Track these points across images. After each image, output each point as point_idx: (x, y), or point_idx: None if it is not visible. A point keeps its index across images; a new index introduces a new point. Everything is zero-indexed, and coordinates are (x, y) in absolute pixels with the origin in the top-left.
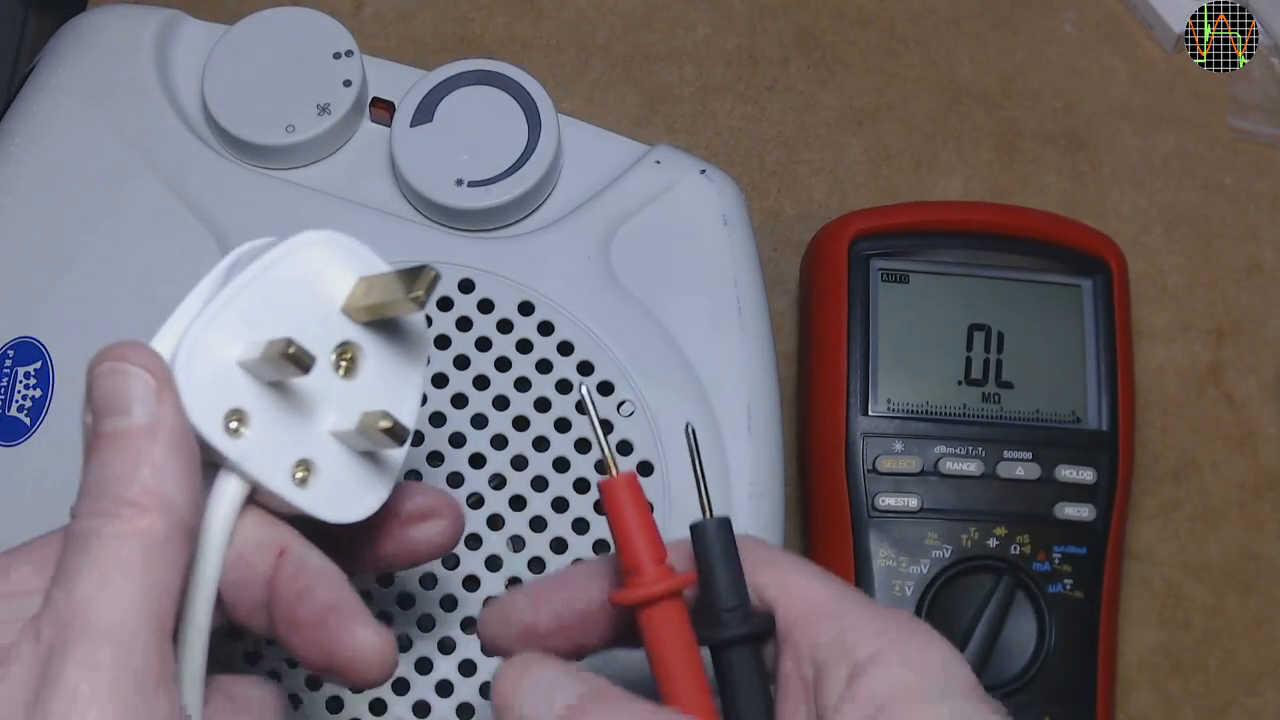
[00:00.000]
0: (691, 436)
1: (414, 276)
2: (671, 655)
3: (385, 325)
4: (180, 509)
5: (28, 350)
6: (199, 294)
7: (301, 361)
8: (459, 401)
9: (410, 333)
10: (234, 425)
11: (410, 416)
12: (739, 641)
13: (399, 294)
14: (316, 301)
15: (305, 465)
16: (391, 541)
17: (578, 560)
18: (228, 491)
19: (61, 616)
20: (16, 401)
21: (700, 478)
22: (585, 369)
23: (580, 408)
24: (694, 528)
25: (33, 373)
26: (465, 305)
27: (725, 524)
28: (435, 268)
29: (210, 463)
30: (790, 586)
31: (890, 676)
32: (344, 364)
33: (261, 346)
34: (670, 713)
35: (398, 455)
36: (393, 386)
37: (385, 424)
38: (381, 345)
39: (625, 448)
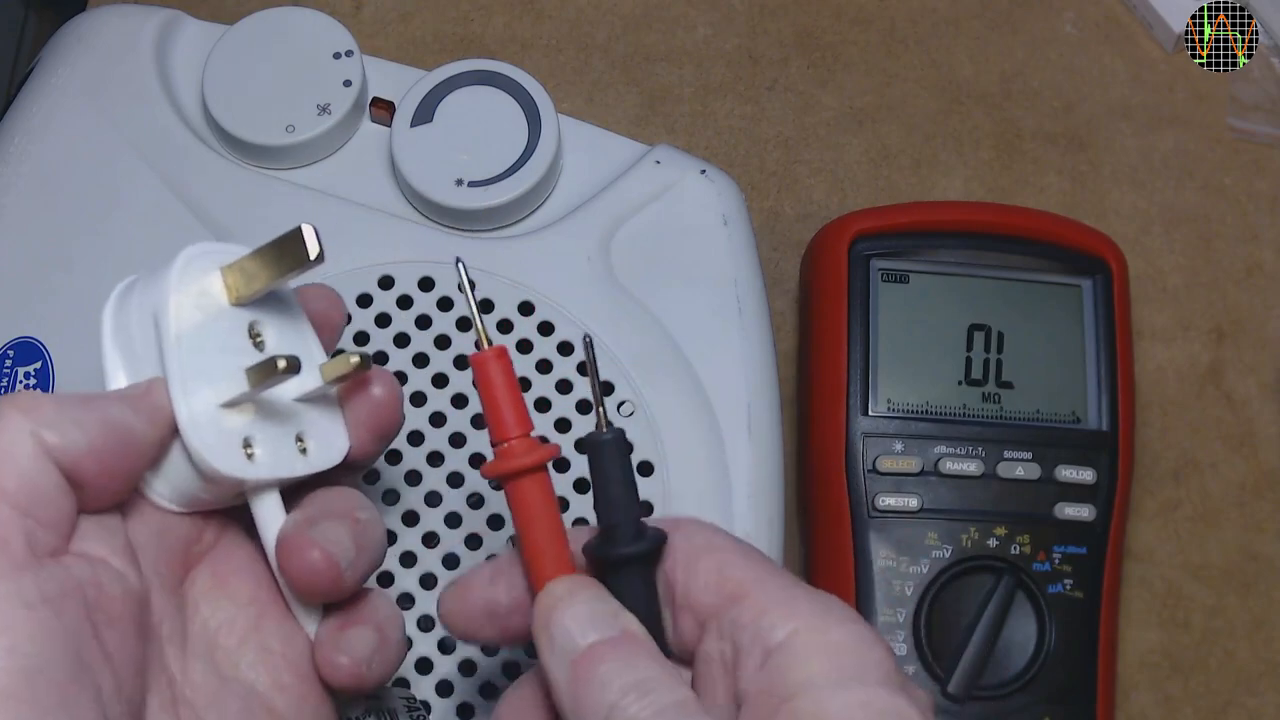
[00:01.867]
0: (589, 348)
1: (293, 241)
2: (536, 527)
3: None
4: (58, 433)
5: (28, 350)
6: (113, 363)
7: (294, 367)
8: (459, 402)
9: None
10: (249, 452)
11: (322, 345)
12: (628, 560)
13: (289, 262)
14: (219, 315)
15: (299, 437)
16: (362, 420)
17: None
18: (269, 506)
19: None
20: None
21: (597, 390)
22: (586, 369)
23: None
24: (588, 442)
25: (33, 373)
26: (465, 305)
27: (619, 438)
28: (303, 224)
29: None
30: (722, 569)
31: (800, 661)
32: (260, 342)
33: (241, 379)
34: (678, 679)
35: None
36: (295, 330)
37: (355, 359)
38: (265, 307)
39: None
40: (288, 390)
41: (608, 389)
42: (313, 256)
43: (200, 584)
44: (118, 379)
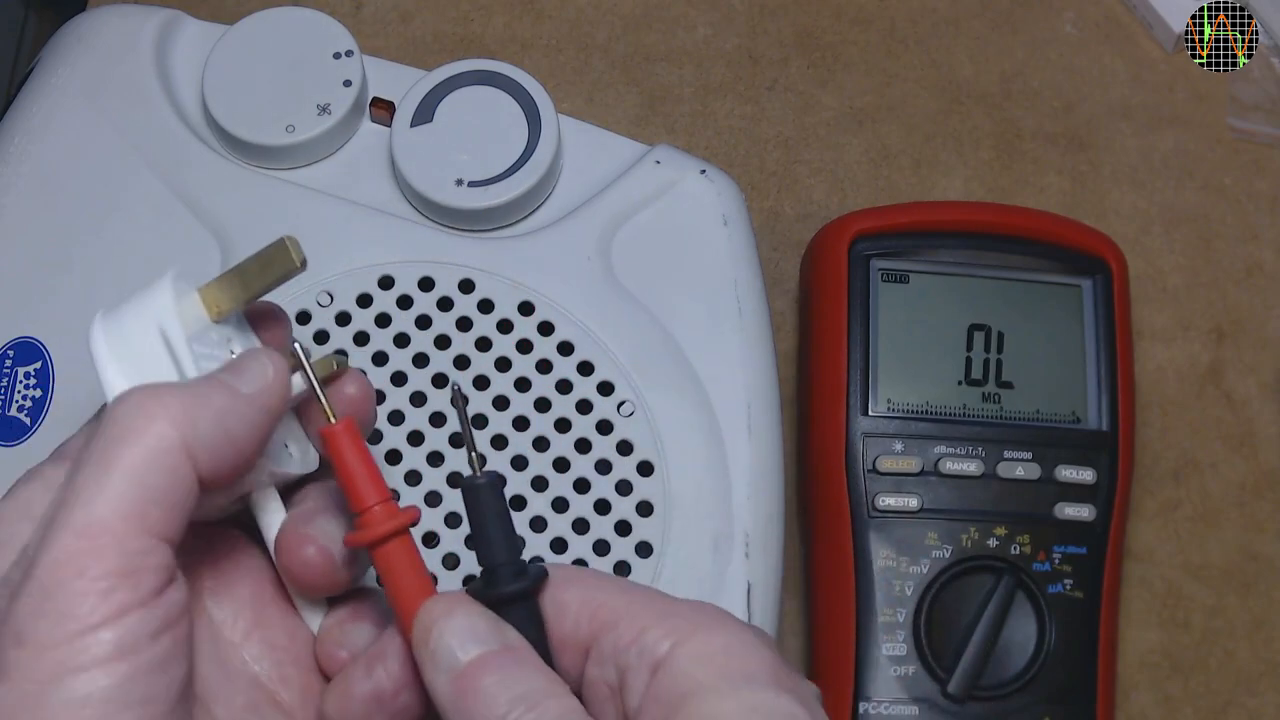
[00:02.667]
0: (458, 397)
1: (276, 253)
2: (405, 591)
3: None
4: (199, 435)
5: (28, 350)
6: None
7: (307, 353)
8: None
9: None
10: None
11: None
12: (514, 598)
13: (275, 273)
14: (205, 330)
15: (285, 444)
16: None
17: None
18: (270, 504)
19: (57, 508)
20: (16, 401)
21: (469, 437)
22: (585, 369)
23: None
24: (463, 486)
25: (33, 373)
26: (465, 305)
27: (494, 482)
28: (285, 235)
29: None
30: (592, 598)
31: (688, 670)
32: (235, 355)
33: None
34: (564, 689)
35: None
36: (251, 343)
37: (339, 360)
38: (230, 326)
39: (625, 448)
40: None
41: (608, 389)
42: (298, 264)
43: (205, 582)
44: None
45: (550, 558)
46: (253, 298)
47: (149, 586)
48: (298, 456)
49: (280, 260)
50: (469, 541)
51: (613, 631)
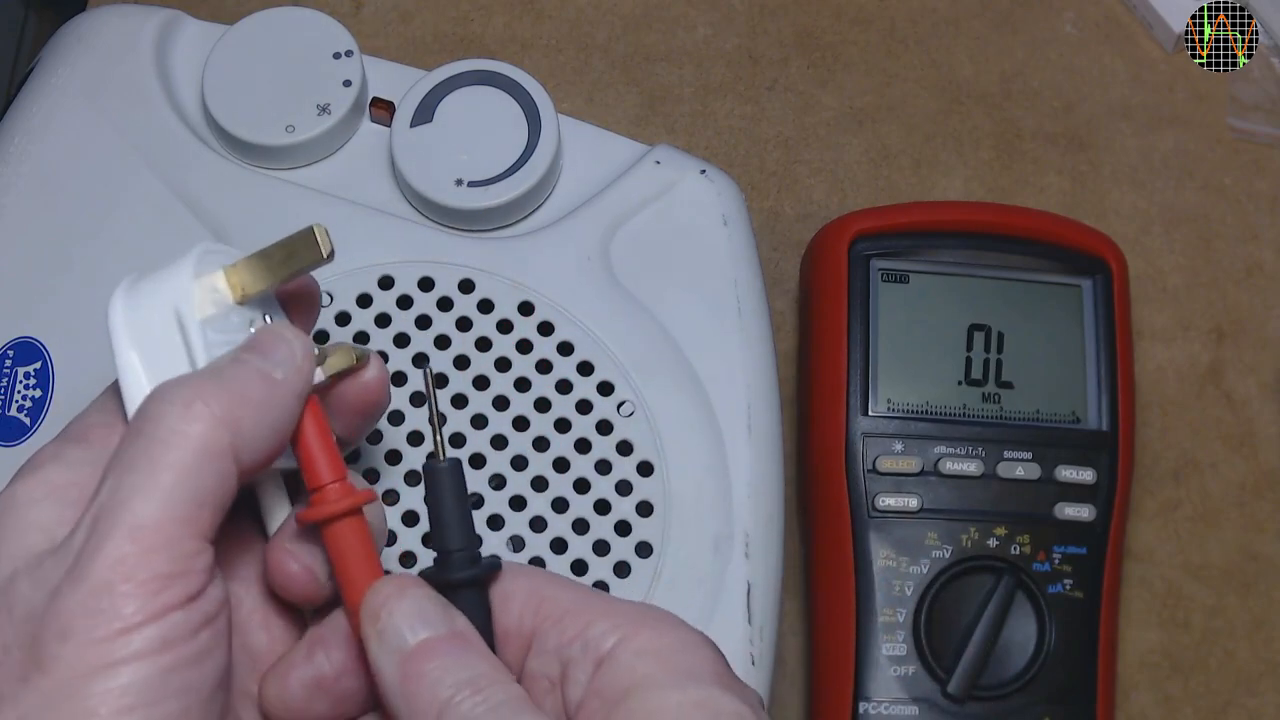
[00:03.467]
0: (429, 378)
1: (303, 241)
2: (354, 571)
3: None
4: (243, 433)
5: (28, 350)
6: (129, 361)
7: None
8: (459, 402)
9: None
10: None
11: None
12: (465, 584)
13: (301, 261)
14: (228, 311)
15: None
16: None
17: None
18: (274, 493)
19: (105, 508)
20: (16, 401)
21: (436, 421)
22: (585, 369)
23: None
24: (425, 470)
25: (33, 373)
26: (465, 305)
27: (455, 467)
28: (314, 224)
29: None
30: (538, 591)
31: (631, 665)
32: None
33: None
34: (509, 676)
35: None
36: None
37: (356, 355)
38: (259, 306)
39: (625, 448)
40: None
41: (607, 389)
42: (325, 255)
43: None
44: (136, 376)
45: (550, 558)
46: (277, 284)
47: (195, 586)
48: None
49: (306, 249)
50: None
51: (557, 625)
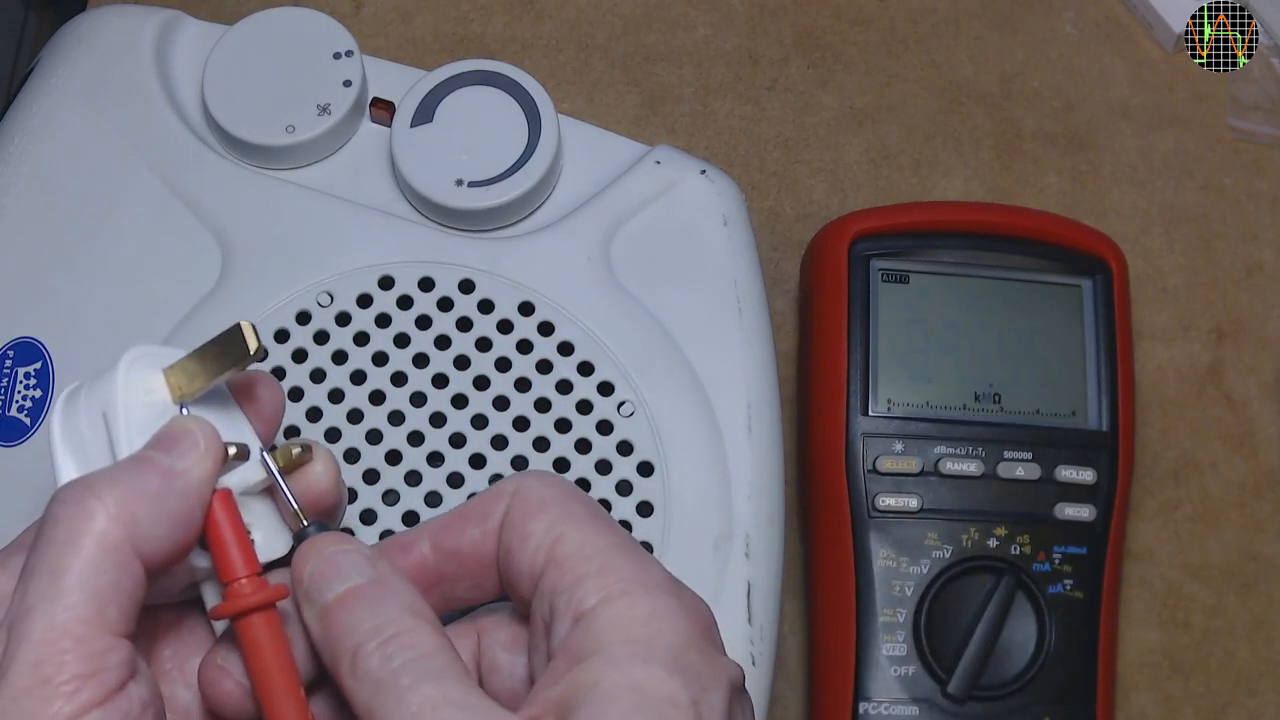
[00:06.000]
0: (266, 464)
1: (232, 339)
2: (267, 665)
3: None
4: (140, 525)
5: (28, 350)
6: (65, 463)
7: (243, 454)
8: (459, 402)
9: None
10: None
11: (262, 435)
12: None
13: (231, 358)
14: (164, 413)
15: (247, 529)
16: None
17: None
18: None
19: (17, 614)
20: (16, 401)
21: (288, 496)
22: (585, 369)
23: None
24: (297, 539)
25: (33, 373)
26: (465, 305)
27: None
28: (241, 320)
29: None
30: (553, 530)
31: (597, 631)
32: None
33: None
34: (426, 620)
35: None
36: (233, 425)
37: (296, 449)
38: (205, 404)
39: (625, 448)
40: (229, 482)
41: (608, 389)
42: (252, 351)
43: (166, 664)
44: (68, 479)
45: None
46: (210, 383)
47: (112, 683)
48: (260, 542)
49: (234, 346)
50: None
51: (557, 570)
